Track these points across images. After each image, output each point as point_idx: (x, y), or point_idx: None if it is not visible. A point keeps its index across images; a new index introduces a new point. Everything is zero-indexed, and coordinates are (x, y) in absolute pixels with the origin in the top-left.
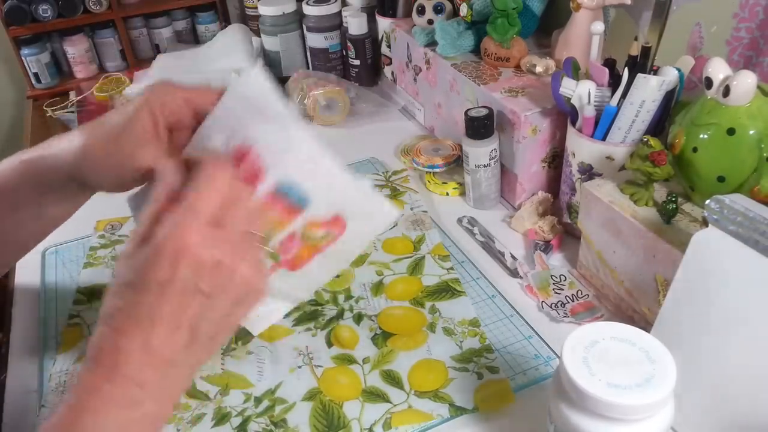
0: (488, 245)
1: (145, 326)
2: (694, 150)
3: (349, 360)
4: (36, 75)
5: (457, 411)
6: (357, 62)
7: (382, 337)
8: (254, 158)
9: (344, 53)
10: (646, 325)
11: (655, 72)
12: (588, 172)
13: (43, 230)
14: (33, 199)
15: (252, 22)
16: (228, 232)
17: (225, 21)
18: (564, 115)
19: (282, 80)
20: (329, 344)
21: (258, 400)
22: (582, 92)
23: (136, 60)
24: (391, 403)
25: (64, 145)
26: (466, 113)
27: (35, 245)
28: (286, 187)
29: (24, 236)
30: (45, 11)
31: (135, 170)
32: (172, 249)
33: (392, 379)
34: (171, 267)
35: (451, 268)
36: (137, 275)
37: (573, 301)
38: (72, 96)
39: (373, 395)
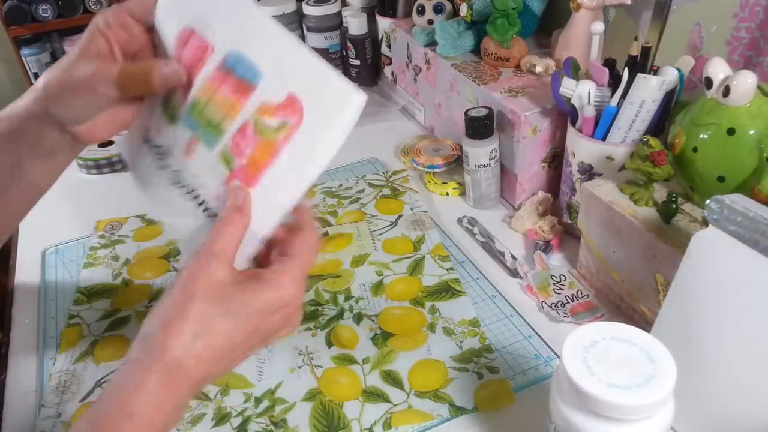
0: (488, 245)
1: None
2: (694, 150)
3: (349, 360)
4: (36, 75)
5: (457, 411)
6: (357, 62)
7: (382, 337)
8: (198, 36)
9: (344, 53)
10: (646, 325)
11: (655, 72)
12: (588, 172)
13: (27, 197)
14: (10, 156)
15: None
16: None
17: None
18: (564, 115)
19: None
20: (329, 344)
21: (258, 400)
22: (582, 92)
23: None
24: (391, 403)
25: (30, 91)
26: (466, 113)
27: (21, 217)
28: (233, 60)
29: (6, 204)
30: (45, 11)
31: (98, 92)
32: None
33: (392, 379)
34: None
35: (451, 268)
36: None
37: (573, 301)
38: None
39: (373, 395)
